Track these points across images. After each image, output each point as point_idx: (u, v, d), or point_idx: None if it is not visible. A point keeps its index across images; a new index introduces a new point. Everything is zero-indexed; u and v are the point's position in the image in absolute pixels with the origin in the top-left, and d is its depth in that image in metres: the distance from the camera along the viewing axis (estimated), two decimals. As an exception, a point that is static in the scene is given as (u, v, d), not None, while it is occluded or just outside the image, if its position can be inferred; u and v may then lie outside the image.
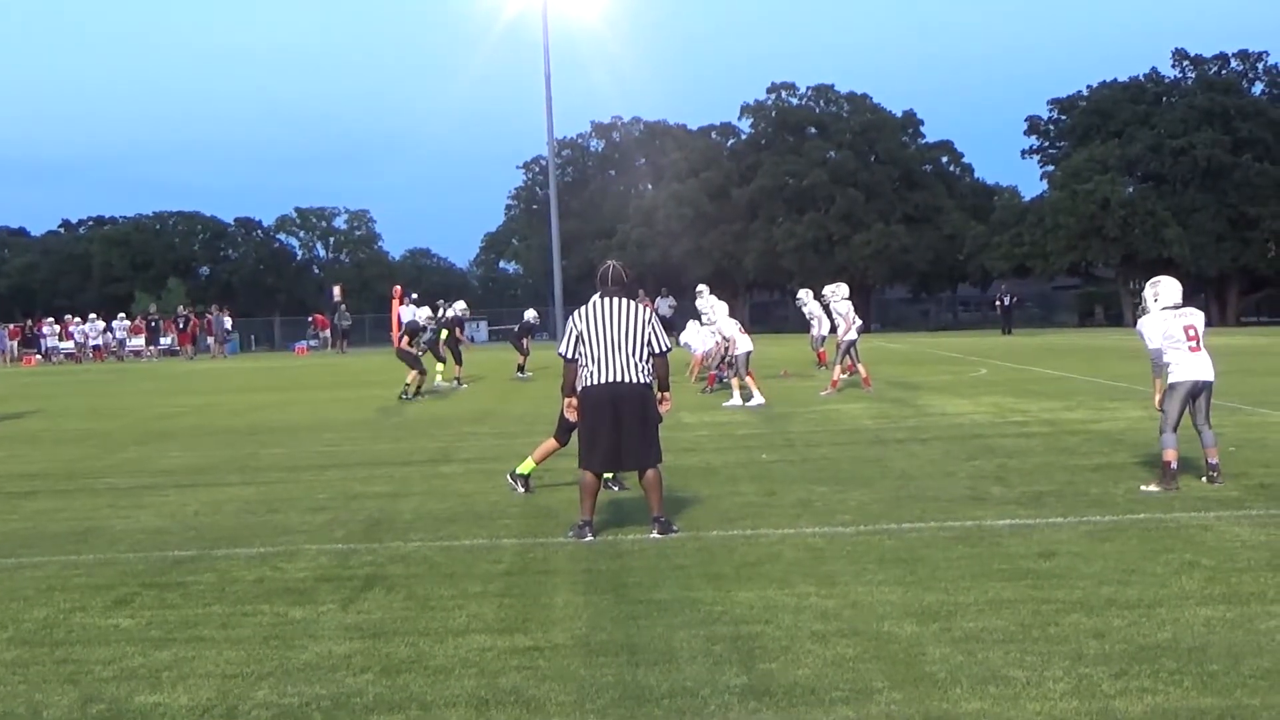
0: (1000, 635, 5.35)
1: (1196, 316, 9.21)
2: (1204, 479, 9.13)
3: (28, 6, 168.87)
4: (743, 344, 17.51)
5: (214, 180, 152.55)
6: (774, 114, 67.72)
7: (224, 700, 4.83)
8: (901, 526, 7.92)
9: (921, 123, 69.15)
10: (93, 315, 49.40)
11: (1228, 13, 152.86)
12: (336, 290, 57.03)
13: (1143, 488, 9.03)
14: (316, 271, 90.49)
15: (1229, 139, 57.07)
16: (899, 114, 68.30)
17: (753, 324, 47.25)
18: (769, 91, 68.34)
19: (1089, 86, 64.47)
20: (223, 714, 4.70)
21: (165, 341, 49.54)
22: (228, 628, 5.92)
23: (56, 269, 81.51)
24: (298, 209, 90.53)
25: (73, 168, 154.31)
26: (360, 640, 5.61)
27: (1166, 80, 63.30)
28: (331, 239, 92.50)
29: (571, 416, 8.16)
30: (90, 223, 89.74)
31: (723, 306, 19.15)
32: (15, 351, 47.91)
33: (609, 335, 7.81)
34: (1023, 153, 67.44)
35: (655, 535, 7.78)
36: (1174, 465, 8.90)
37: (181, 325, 49.30)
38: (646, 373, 7.87)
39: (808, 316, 24.89)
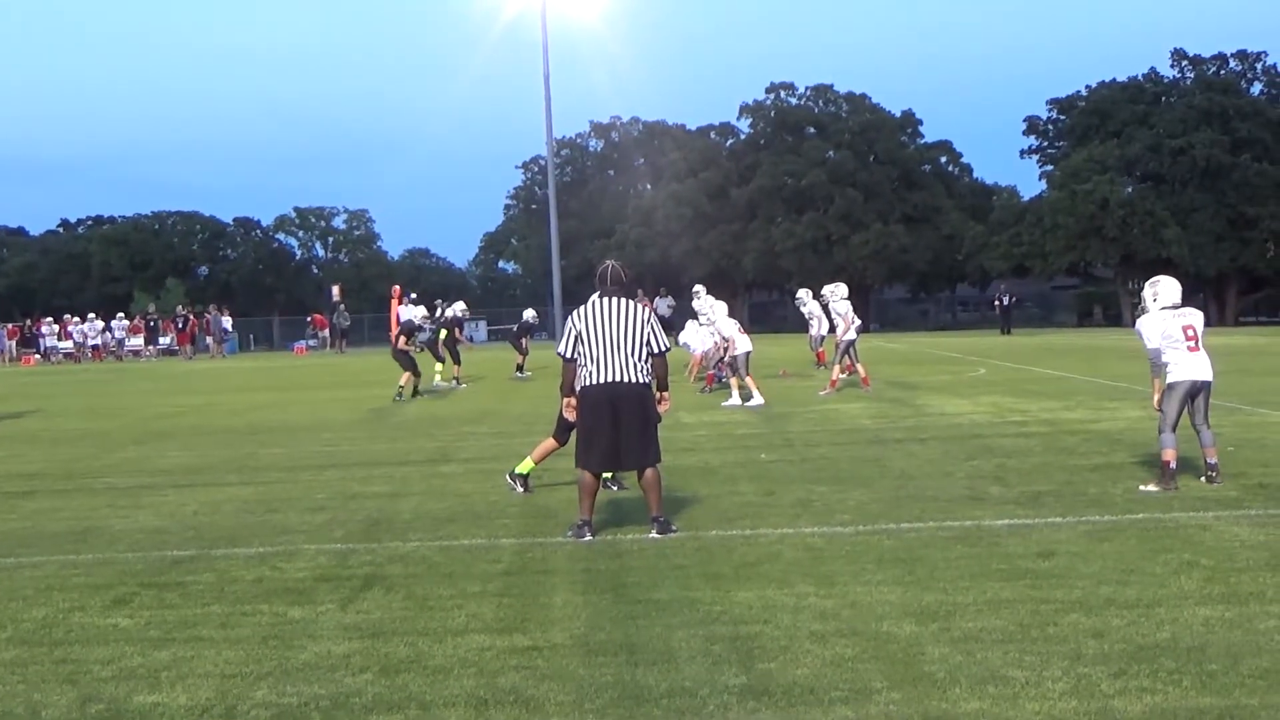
0: (999, 635, 5.35)
1: (1195, 316, 9.21)
2: (1203, 479, 9.13)
3: (28, 6, 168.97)
4: (742, 344, 17.51)
5: (213, 180, 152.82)
6: (773, 114, 67.73)
7: (223, 700, 4.83)
8: (900, 526, 7.92)
9: (920, 123, 69.21)
10: (91, 315, 49.38)
11: (1226, 13, 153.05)
12: (335, 290, 57.03)
13: (1141, 487, 9.03)
14: (315, 271, 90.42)
15: (1228, 139, 57.09)
16: (898, 114, 68.32)
17: (752, 324, 47.26)
18: (768, 91, 68.38)
19: (1088, 86, 64.55)
20: (222, 714, 4.70)
21: (164, 341, 49.54)
22: (227, 627, 5.92)
23: (55, 268, 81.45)
24: (297, 209, 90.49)
25: (72, 167, 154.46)
26: (359, 640, 5.61)
27: (1165, 80, 63.34)
28: (330, 239, 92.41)
29: (570, 416, 8.16)
30: (89, 222, 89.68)
31: (722, 306, 19.15)
32: (14, 351, 47.91)
33: (608, 335, 7.81)
34: (1021, 153, 67.53)
35: (654, 535, 7.79)
36: (1173, 465, 8.91)
37: (180, 325, 49.29)
38: (645, 373, 7.87)
39: (806, 316, 24.91)
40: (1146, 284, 9.47)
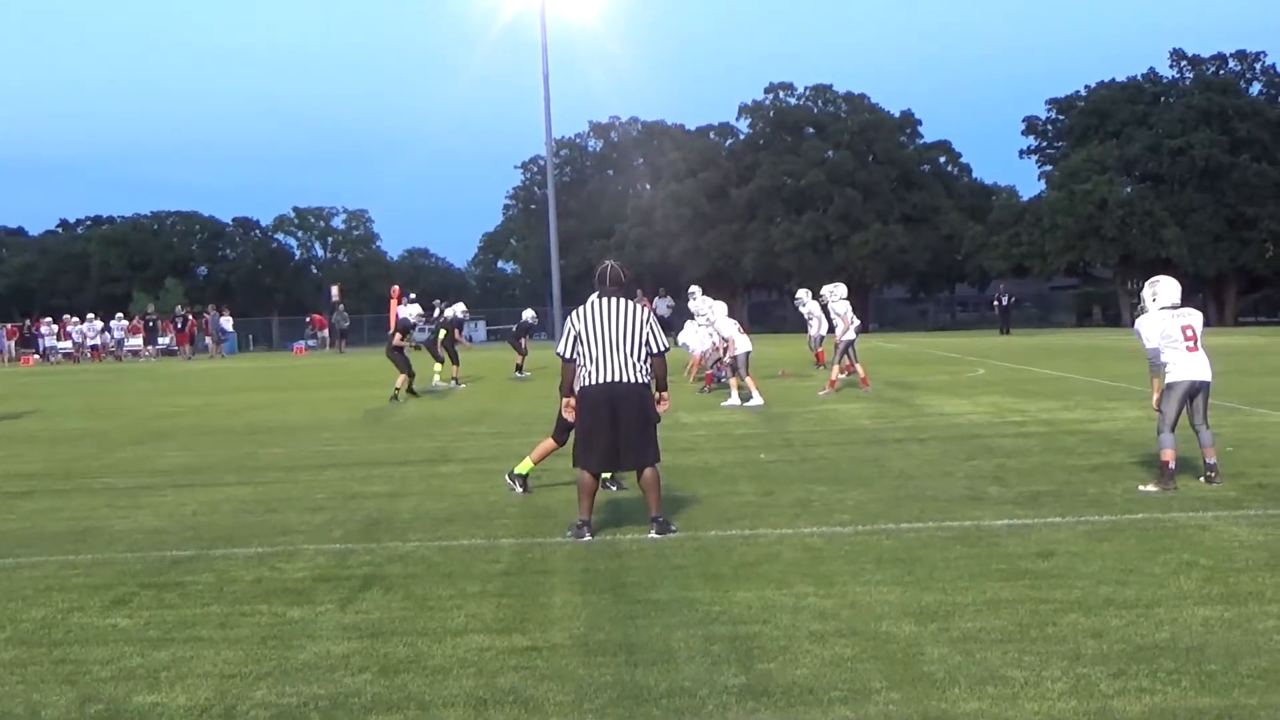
0: (998, 635, 5.35)
1: (1194, 316, 9.21)
2: (1202, 479, 9.14)
3: (28, 6, 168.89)
4: (741, 344, 17.50)
5: (212, 180, 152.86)
6: (772, 114, 67.76)
7: (222, 700, 4.83)
8: (900, 526, 7.92)
9: (919, 123, 69.25)
10: (90, 315, 49.35)
11: (1225, 13, 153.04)
12: (334, 290, 57.06)
13: (1141, 488, 9.03)
14: (314, 271, 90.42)
15: (1227, 139, 57.12)
16: (897, 114, 68.37)
17: (751, 324, 47.26)
18: (767, 91, 68.42)
19: (1087, 86, 64.61)
20: (221, 714, 4.70)
21: (163, 341, 49.54)
22: (226, 628, 5.92)
23: (54, 269, 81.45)
24: (296, 209, 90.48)
25: (71, 167, 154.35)
26: (358, 640, 5.61)
27: (1164, 80, 63.39)
28: (330, 239, 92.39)
29: (569, 416, 8.16)
30: (88, 222, 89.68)
31: (721, 306, 19.15)
32: (13, 351, 47.91)
33: (607, 335, 7.81)
34: (1021, 153, 67.60)
35: (653, 535, 7.79)
36: (1172, 465, 8.91)
37: (179, 325, 49.28)
38: (645, 373, 7.87)
39: (806, 316, 24.90)
40: (1146, 284, 9.48)
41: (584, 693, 4.76)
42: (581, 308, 8.06)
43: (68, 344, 48.06)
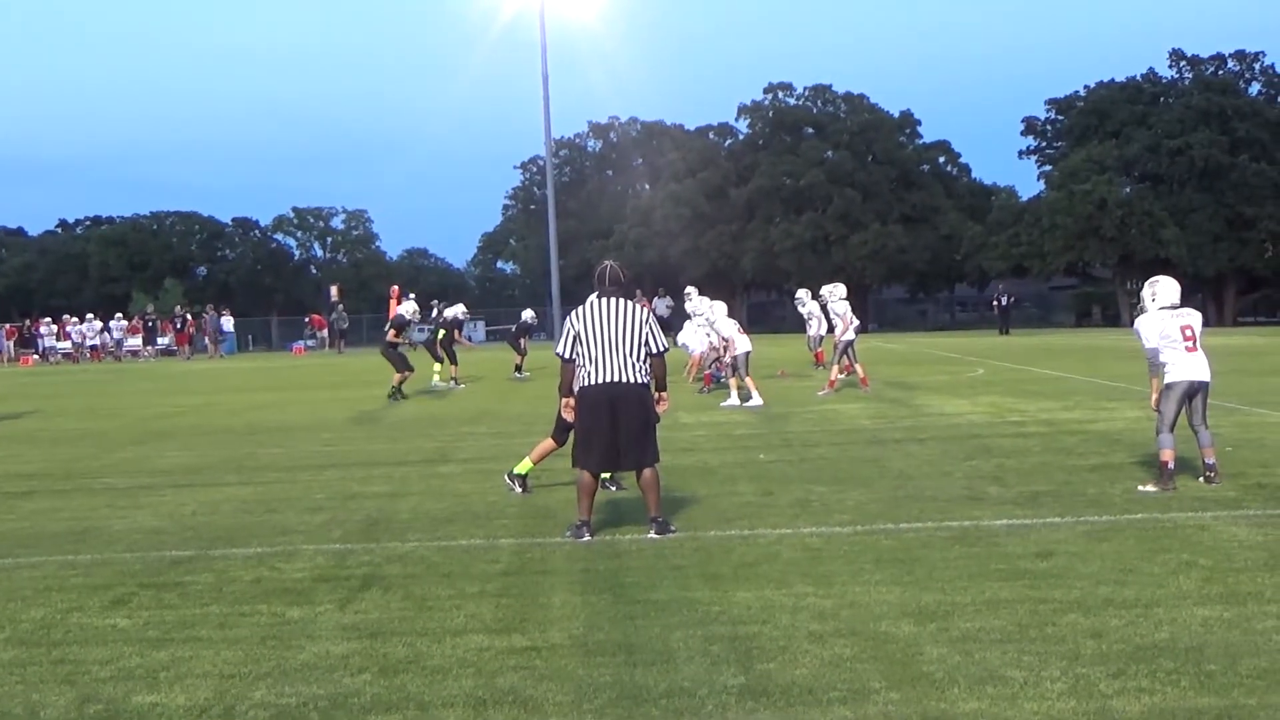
0: (997, 635, 5.35)
1: (1194, 317, 9.21)
2: (1201, 479, 9.14)
3: (27, 6, 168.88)
4: (741, 344, 17.50)
5: (211, 180, 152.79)
6: (771, 114, 67.78)
7: (221, 700, 4.83)
8: (899, 526, 7.93)
9: (919, 123, 69.28)
10: (90, 315, 49.36)
11: (1224, 13, 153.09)
12: (334, 290, 57.07)
13: (1140, 488, 9.03)
14: (314, 271, 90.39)
15: (1226, 139, 57.15)
16: (896, 114, 68.40)
17: (750, 324, 47.24)
18: (766, 92, 68.45)
19: (1086, 87, 64.67)
20: (220, 714, 4.70)
21: (162, 341, 49.53)
22: (225, 628, 5.92)
23: (54, 269, 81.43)
24: (295, 209, 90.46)
25: (70, 167, 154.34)
26: (358, 640, 5.61)
27: (1164, 80, 63.41)
28: (329, 239, 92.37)
29: (569, 417, 8.16)
30: (87, 222, 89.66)
31: (721, 306, 19.15)
32: (12, 351, 47.91)
33: (606, 335, 7.81)
34: (1020, 153, 67.66)
35: (653, 535, 7.79)
36: (1171, 465, 8.91)
37: (178, 325, 49.28)
38: (644, 373, 7.87)
39: (805, 316, 24.90)
40: (1146, 284, 9.48)
41: (583, 693, 4.76)
42: (581, 308, 8.05)
43: (67, 344, 48.06)
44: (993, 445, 11.95)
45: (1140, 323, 9.25)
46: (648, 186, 70.47)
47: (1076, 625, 5.46)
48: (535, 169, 75.92)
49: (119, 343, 48.41)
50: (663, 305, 43.81)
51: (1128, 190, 57.77)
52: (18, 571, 7.42)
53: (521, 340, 25.87)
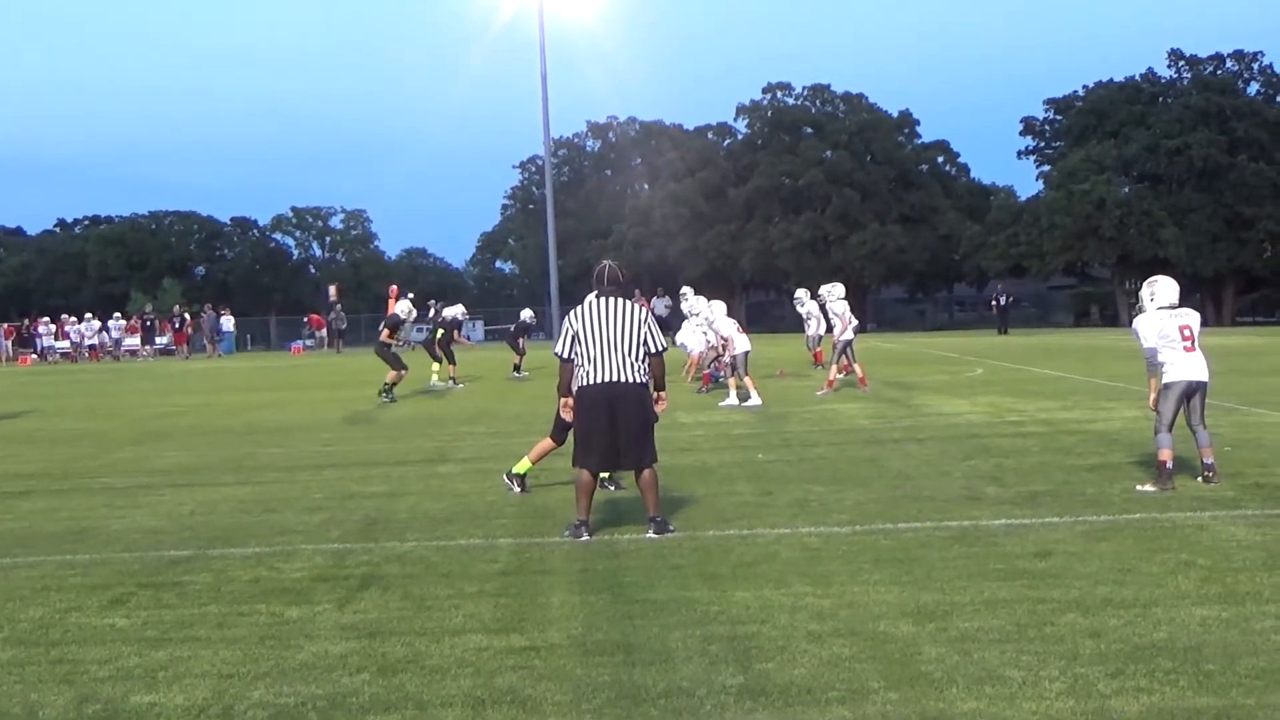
0: (996, 635, 5.35)
1: (1192, 317, 9.22)
2: (1199, 479, 9.14)
3: (27, 6, 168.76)
4: (741, 344, 17.50)
5: (210, 180, 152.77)
6: (770, 114, 67.82)
7: (220, 700, 4.82)
8: (898, 526, 7.93)
9: (917, 123, 69.35)
10: (88, 315, 49.32)
11: (1223, 13, 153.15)
12: (332, 290, 57.06)
13: (1138, 487, 9.04)
14: (313, 271, 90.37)
15: (1225, 139, 57.19)
16: (895, 114, 68.45)
17: (749, 324, 47.24)
18: (765, 91, 68.47)
19: (1085, 87, 64.71)
20: (218, 714, 4.69)
21: (161, 341, 49.52)
22: (224, 628, 5.92)
23: (52, 268, 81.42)
24: (294, 208, 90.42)
25: (69, 167, 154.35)
26: (356, 640, 5.61)
27: (1162, 80, 63.45)
28: (328, 239, 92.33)
29: (568, 416, 8.16)
30: (86, 222, 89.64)
31: (720, 306, 19.17)
32: (11, 351, 47.90)
33: (605, 335, 7.81)
34: (1019, 153, 67.71)
35: (651, 535, 7.78)
36: (1169, 465, 8.91)
37: (177, 325, 49.27)
38: (643, 372, 7.87)
39: (804, 316, 24.90)
40: (1144, 283, 9.48)
41: (582, 692, 4.76)
42: (579, 307, 8.06)
43: (65, 344, 48.04)
44: (991, 445, 11.95)
45: (1139, 322, 9.25)
46: (646, 186, 70.49)
47: (1075, 625, 5.46)
48: (534, 169, 75.93)
49: (117, 342, 48.38)
50: (661, 305, 43.79)
51: (1126, 190, 57.81)
52: (16, 571, 7.42)
53: (520, 340, 25.87)
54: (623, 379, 7.75)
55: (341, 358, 42.96)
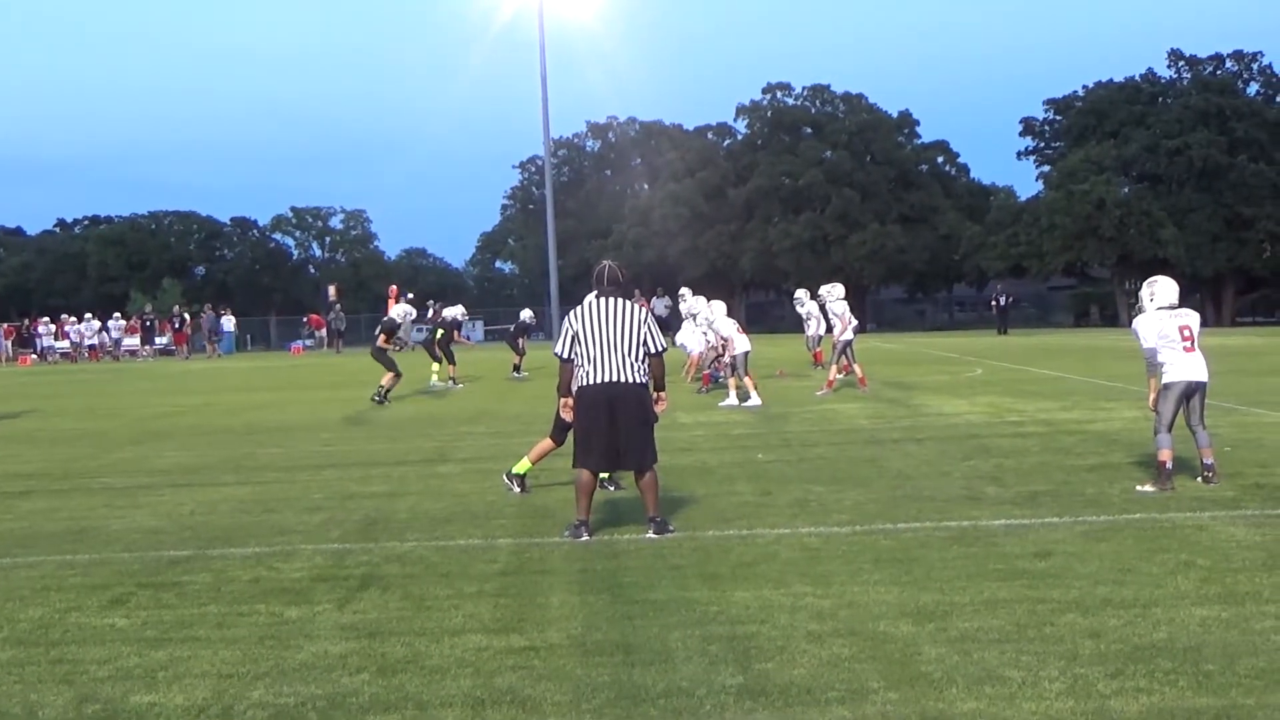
0: (996, 635, 5.35)
1: (1192, 317, 9.22)
2: (1199, 479, 9.14)
3: (27, 6, 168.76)
4: (740, 344, 17.50)
5: (210, 180, 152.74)
6: (770, 114, 67.83)
7: (219, 700, 4.82)
8: (897, 526, 7.93)
9: (917, 123, 69.36)
10: (88, 315, 49.32)
11: (1223, 13, 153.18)
12: (332, 290, 57.06)
13: (1138, 488, 9.04)
14: (312, 271, 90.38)
15: (1224, 139, 57.20)
16: (895, 114, 68.46)
17: (749, 324, 47.24)
18: (764, 92, 68.47)
19: (1085, 87, 64.72)
20: (218, 714, 4.69)
21: (161, 341, 49.52)
22: (223, 628, 5.92)
23: (52, 268, 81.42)
24: (293, 209, 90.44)
25: (69, 167, 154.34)
26: (356, 640, 5.61)
27: (1162, 81, 63.47)
28: (327, 239, 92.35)
29: (568, 416, 8.16)
30: (86, 222, 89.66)
31: (720, 306, 19.17)
32: (11, 351, 47.89)
33: (605, 335, 7.81)
34: (1018, 153, 67.72)
35: (651, 535, 7.78)
36: (1169, 465, 8.91)
37: (177, 325, 49.26)
38: (643, 373, 7.87)
39: (804, 316, 24.91)
40: (1144, 284, 9.48)
41: (581, 693, 4.76)
42: (579, 308, 8.06)
43: (65, 344, 48.04)
44: (991, 445, 11.95)
45: (1138, 323, 9.25)
46: (646, 186, 70.50)
47: (1075, 625, 5.47)
48: (534, 169, 75.94)
49: (117, 342, 48.37)
50: (661, 305, 43.79)
51: (1126, 190, 57.82)
52: (16, 571, 7.42)
53: (520, 340, 25.87)
54: (623, 379, 7.75)
55: (341, 358, 42.96)
